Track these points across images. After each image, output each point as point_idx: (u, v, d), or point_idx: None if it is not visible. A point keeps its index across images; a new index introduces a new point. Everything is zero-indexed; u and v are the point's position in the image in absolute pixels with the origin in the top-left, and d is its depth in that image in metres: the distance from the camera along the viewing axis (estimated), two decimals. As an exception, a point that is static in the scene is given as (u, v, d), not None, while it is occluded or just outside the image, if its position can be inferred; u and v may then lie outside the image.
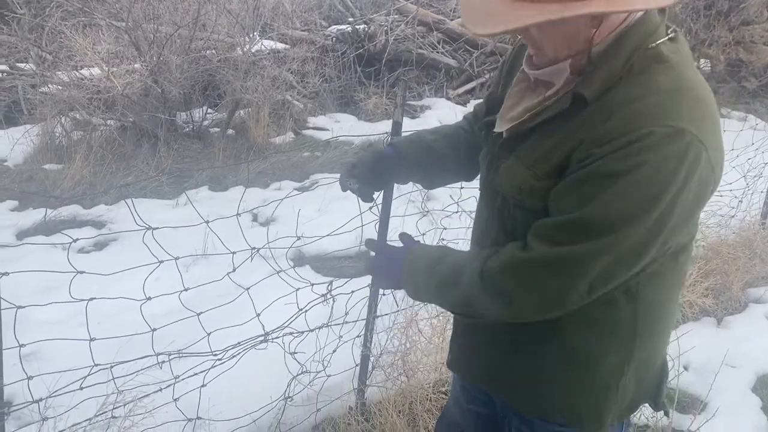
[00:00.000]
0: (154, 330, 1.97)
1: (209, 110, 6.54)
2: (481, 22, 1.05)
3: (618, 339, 1.24)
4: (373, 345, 2.58)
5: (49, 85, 5.98)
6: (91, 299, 1.83)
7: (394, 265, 1.34)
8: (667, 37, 1.12)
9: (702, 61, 7.65)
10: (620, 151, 1.03)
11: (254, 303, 2.22)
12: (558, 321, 1.19)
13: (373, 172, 1.49)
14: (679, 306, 1.38)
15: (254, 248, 2.22)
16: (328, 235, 2.58)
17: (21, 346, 1.70)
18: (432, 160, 1.50)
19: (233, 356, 2.17)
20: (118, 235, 4.39)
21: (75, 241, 1.90)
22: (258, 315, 2.24)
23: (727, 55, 7.22)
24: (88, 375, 1.85)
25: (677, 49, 1.12)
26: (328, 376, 2.54)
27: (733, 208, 4.14)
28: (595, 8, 0.98)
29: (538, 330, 1.23)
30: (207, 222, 2.07)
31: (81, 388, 1.84)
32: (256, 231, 4.62)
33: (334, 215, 4.61)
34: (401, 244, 1.44)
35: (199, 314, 2.06)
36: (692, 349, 2.94)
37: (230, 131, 6.50)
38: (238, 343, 2.19)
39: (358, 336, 2.62)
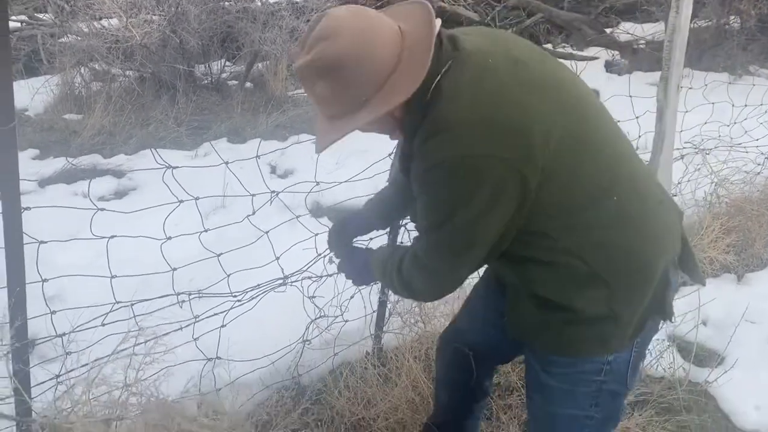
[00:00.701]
0: (174, 269, 1.99)
1: (227, 63, 6.50)
2: (319, 140, 1.43)
3: (576, 277, 1.41)
4: (390, 291, 2.59)
5: (68, 35, 5.96)
6: (112, 237, 1.84)
7: (364, 268, 1.75)
8: (442, 71, 1.33)
9: (731, 17, 7.41)
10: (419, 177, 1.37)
11: (273, 247, 2.23)
12: (525, 280, 1.48)
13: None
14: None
15: (274, 191, 2.22)
16: (346, 181, 2.56)
17: (44, 281, 1.72)
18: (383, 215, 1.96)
19: (252, 298, 2.19)
20: (138, 184, 4.42)
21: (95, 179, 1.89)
22: (277, 258, 2.25)
23: (758, 10, 6.97)
24: (110, 311, 1.88)
25: (454, 77, 1.33)
26: (346, 321, 2.56)
27: (759, 164, 4.05)
28: (365, 117, 1.34)
29: (519, 288, 1.51)
30: (227, 163, 2.06)
31: (103, 325, 1.87)
32: (274, 182, 4.62)
33: (352, 168, 4.59)
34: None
35: (219, 255, 2.07)
36: (711, 305, 2.92)
37: (248, 84, 6.46)
38: (257, 285, 2.21)
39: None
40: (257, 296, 2.20)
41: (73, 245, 2.00)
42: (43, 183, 4.43)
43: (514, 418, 2.27)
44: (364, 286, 2.28)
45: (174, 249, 2.05)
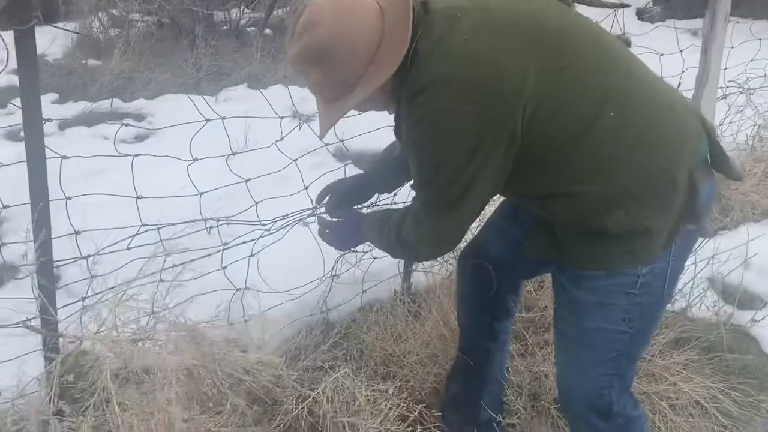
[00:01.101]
0: (201, 193, 1.91)
1: (246, 9, 6.35)
2: (321, 124, 1.51)
3: (597, 203, 1.39)
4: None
5: (85, -21, 5.83)
6: (137, 155, 1.76)
7: (355, 231, 1.76)
8: (417, 37, 1.36)
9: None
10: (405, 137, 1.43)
11: (303, 176, 2.14)
12: (548, 214, 1.48)
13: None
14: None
15: (300, 116, 2.12)
16: (370, 131, 2.46)
17: (67, 198, 1.65)
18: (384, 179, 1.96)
19: (281, 228, 2.11)
20: (159, 128, 4.34)
21: (124, 125, 1.81)
22: (306, 188, 2.16)
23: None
24: (137, 234, 1.81)
25: (425, 38, 1.35)
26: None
27: (805, 108, 3.87)
28: (358, 96, 1.39)
29: (541, 220, 1.51)
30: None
31: (128, 248, 1.80)
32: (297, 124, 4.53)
33: (375, 114, 4.50)
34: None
35: (247, 180, 1.99)
36: (754, 249, 2.80)
37: (268, 31, 6.31)
38: (287, 215, 2.13)
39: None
40: (286, 226, 2.12)
41: (97, 182, 1.94)
42: (64, 126, 4.37)
43: (551, 354, 2.19)
44: (347, 251, 2.24)
45: (199, 183, 1.96)
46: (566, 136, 1.35)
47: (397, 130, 1.49)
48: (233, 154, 1.96)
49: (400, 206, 1.97)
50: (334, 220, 1.86)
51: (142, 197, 1.76)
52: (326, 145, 2.07)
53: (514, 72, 1.29)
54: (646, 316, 1.51)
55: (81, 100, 4.80)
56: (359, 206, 2.01)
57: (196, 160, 1.84)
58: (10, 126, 3.97)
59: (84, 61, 5.40)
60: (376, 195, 2.08)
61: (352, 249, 2.13)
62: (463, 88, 1.29)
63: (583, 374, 1.52)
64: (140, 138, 4.29)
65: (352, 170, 3.95)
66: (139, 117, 4.55)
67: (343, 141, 2.30)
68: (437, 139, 1.34)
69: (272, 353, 2.22)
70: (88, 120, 4.43)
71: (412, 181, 1.51)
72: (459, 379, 2.05)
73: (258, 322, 2.24)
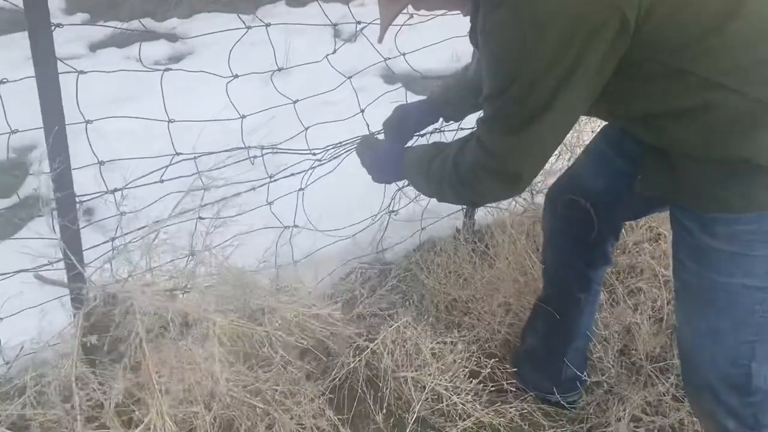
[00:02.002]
0: (243, 117, 1.63)
1: None
2: (381, 24, 1.28)
3: (734, 119, 1.10)
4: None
5: None
6: (167, 69, 1.48)
7: (394, 163, 1.51)
8: None
9: None
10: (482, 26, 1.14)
11: (358, 96, 1.84)
12: (668, 142, 1.19)
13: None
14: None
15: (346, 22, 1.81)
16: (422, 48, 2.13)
17: (87, 122, 1.39)
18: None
19: (334, 157, 1.83)
20: (194, 48, 4.07)
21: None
22: (362, 110, 1.87)
23: None
24: (170, 164, 1.55)
25: None
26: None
27: None
28: None
29: (655, 148, 1.23)
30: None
31: (161, 181, 1.55)
32: (338, 46, 4.20)
33: (426, 33, 4.12)
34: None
35: (294, 102, 1.70)
36: None
37: (307, -57, 5.85)
38: (340, 142, 1.84)
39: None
40: (340, 155, 1.84)
41: (126, 108, 1.67)
42: (94, 47, 4.12)
43: (643, 303, 1.91)
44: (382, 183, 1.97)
45: (239, 108, 1.68)
46: (708, 21, 1.06)
47: (473, 34, 1.22)
48: (278, 69, 1.66)
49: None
50: (380, 140, 1.64)
51: (175, 121, 1.49)
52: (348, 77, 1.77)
53: None
54: None
55: (112, 20, 4.51)
56: (420, 133, 1.77)
57: (236, 76, 1.55)
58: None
59: (114, -21, 5.07)
60: (441, 121, 1.79)
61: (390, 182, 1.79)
62: None
63: (716, 339, 1.23)
64: (174, 59, 4.02)
65: (400, 92, 3.71)
66: (172, 37, 4.26)
67: (387, 60, 1.98)
68: (518, 27, 1.06)
69: (325, 302, 1.99)
70: (119, 41, 4.16)
71: (482, 96, 1.20)
72: (539, 331, 1.80)
73: (308, 264, 2.00)
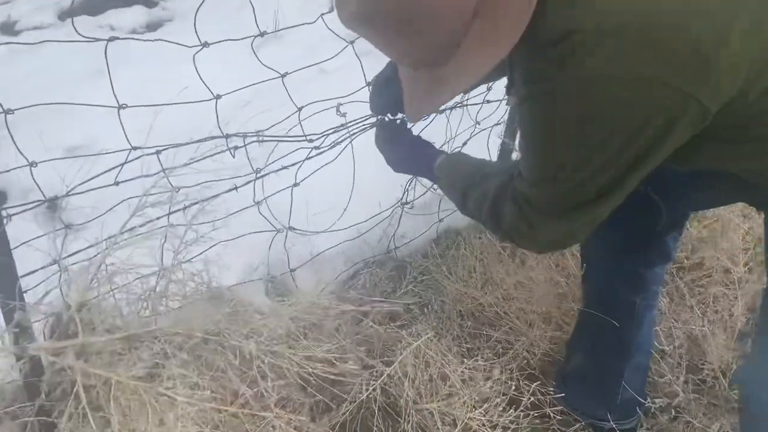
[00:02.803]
0: (218, 97, 1.28)
1: None
2: (410, 103, 1.08)
3: None
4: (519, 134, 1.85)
5: None
6: (112, 39, 1.13)
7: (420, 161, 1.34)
8: None
9: None
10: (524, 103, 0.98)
11: (364, 68, 1.49)
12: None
13: None
14: None
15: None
16: None
17: (7, 112, 1.04)
18: None
19: (336, 143, 1.49)
20: (174, 14, 3.68)
21: None
22: (368, 84, 1.51)
23: None
24: (126, 162, 1.21)
25: None
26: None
27: None
28: (477, 65, 0.93)
29: None
30: None
31: (116, 184, 1.21)
32: (333, 7, 3.81)
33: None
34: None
35: (283, 75, 1.35)
36: None
37: None
38: (342, 125, 1.50)
39: (496, 124, 1.89)
40: (342, 140, 1.50)
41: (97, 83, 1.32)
42: (63, 15, 3.72)
43: (714, 307, 1.59)
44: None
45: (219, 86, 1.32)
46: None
47: (510, 88, 1.06)
48: (262, 34, 1.30)
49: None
50: (403, 129, 1.41)
51: (126, 107, 1.14)
52: (350, 42, 1.42)
53: (713, 31, 0.83)
54: None
55: (83, -14, 4.10)
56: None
57: (205, 45, 1.19)
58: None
59: (85, -60, 4.63)
60: None
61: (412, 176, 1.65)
62: (651, 44, 0.82)
63: None
64: (152, 27, 3.62)
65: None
66: (150, 2, 3.86)
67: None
68: (583, 116, 0.88)
69: (327, 306, 1.66)
70: (91, 8, 3.75)
71: (519, 161, 1.04)
72: (587, 345, 1.50)
73: (309, 270, 1.68)
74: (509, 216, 1.07)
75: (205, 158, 1.31)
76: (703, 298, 1.62)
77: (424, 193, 1.85)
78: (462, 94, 1.09)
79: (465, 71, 0.95)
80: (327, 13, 1.42)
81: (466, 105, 1.69)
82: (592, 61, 0.82)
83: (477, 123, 1.80)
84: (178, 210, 1.26)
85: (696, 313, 1.57)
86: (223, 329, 1.12)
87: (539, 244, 1.12)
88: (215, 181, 1.33)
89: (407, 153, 1.38)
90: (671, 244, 1.37)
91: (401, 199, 1.78)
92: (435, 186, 1.87)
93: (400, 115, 1.39)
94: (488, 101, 1.73)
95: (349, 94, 1.45)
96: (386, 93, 1.34)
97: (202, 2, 1.19)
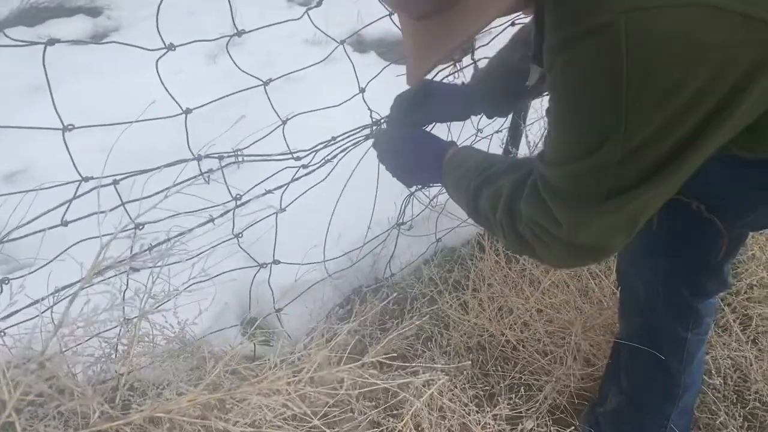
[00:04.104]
0: (187, 111, 1.04)
1: None
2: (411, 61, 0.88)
3: None
4: (523, 141, 1.66)
5: None
6: (56, 41, 0.89)
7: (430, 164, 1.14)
8: None
9: None
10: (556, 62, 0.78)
11: (328, 69, 1.27)
12: None
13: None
14: None
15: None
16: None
17: None
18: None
19: (326, 160, 1.26)
20: (120, 24, 3.39)
21: None
22: (363, 89, 1.29)
23: None
24: (75, 196, 0.96)
25: None
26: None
27: None
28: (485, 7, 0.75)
29: None
30: None
31: (64, 224, 0.96)
32: (293, 12, 3.58)
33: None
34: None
35: (266, 83, 1.12)
36: None
37: None
38: (333, 138, 1.27)
39: (497, 131, 1.70)
40: (333, 156, 1.28)
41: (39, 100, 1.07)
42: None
43: (757, 334, 1.42)
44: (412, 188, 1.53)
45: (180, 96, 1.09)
46: None
47: (537, 55, 0.81)
48: (238, 33, 1.07)
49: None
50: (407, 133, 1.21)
51: (72, 127, 0.89)
52: (340, 42, 1.22)
53: None
54: None
55: (19, -6, 3.78)
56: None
57: (170, 47, 0.95)
58: None
59: (19, -54, 4.29)
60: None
61: (419, 187, 1.37)
62: None
63: None
64: (97, 37, 3.33)
65: (373, 59, 3.12)
66: (93, 11, 3.56)
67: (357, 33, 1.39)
68: (638, 60, 0.66)
69: (317, 345, 1.43)
70: (29, 18, 3.45)
71: (545, 142, 0.83)
72: (625, 383, 1.30)
73: (298, 307, 1.44)
74: (529, 213, 0.86)
75: (177, 185, 1.06)
76: (748, 319, 1.44)
77: (422, 211, 1.64)
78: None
79: (478, 8, 0.75)
80: (296, 19, 1.21)
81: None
82: None
83: (479, 131, 1.60)
84: (144, 251, 1.01)
85: (740, 336, 1.39)
86: (207, 411, 0.88)
87: (567, 251, 0.86)
88: (188, 213, 1.09)
89: (413, 157, 1.17)
90: (727, 269, 1.18)
91: (398, 219, 1.56)
92: (435, 199, 1.67)
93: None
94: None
95: (341, 103, 1.23)
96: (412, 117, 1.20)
97: (161, 3, 0.96)
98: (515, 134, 1.64)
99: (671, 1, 0.63)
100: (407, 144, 1.18)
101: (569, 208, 0.80)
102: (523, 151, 1.72)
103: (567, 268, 1.47)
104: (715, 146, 0.73)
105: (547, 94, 0.81)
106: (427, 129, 1.23)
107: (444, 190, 1.65)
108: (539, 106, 1.79)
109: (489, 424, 1.24)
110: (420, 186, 1.46)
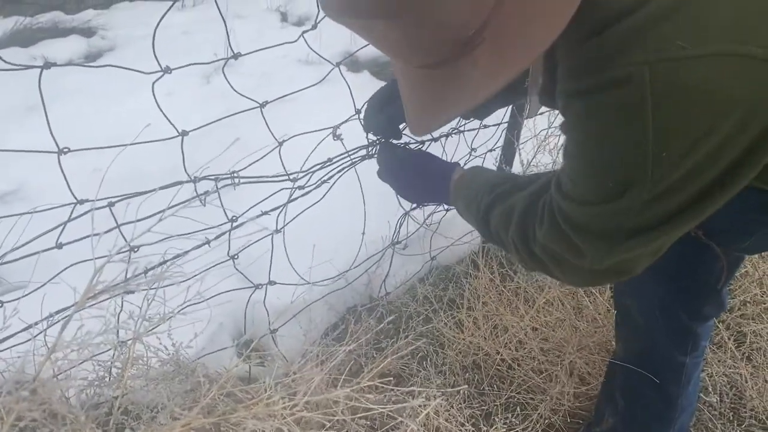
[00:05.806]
0: (184, 134, 1.04)
1: None
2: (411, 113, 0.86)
3: None
4: (516, 159, 1.67)
5: None
6: (52, 65, 0.89)
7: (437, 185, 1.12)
8: None
9: None
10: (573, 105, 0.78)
11: (322, 89, 1.28)
12: None
13: None
14: None
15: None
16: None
17: None
18: None
19: (323, 181, 1.27)
20: (115, 44, 3.40)
21: None
22: (358, 111, 1.30)
23: None
24: (70, 219, 0.96)
25: None
26: (447, 210, 1.66)
27: None
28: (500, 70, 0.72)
29: None
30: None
31: (59, 247, 0.96)
32: (288, 33, 3.60)
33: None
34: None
35: (262, 105, 1.12)
36: None
37: None
38: (330, 159, 1.28)
39: (491, 150, 1.71)
40: (329, 177, 1.28)
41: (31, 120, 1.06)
42: (-7, 47, 3.40)
43: (758, 350, 1.42)
44: (415, 206, 1.52)
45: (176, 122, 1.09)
46: None
47: (547, 95, 0.82)
48: (235, 56, 1.07)
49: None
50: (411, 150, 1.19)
51: (68, 151, 0.89)
52: (336, 64, 1.23)
53: None
54: None
55: (13, 15, 3.79)
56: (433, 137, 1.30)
57: (166, 70, 0.96)
58: None
59: (13, -33, 4.31)
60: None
61: (425, 204, 1.36)
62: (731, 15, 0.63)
63: None
64: (91, 58, 3.34)
65: (366, 79, 3.13)
66: (87, 32, 3.58)
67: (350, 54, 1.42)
68: (664, 110, 0.65)
69: (311, 366, 1.42)
70: (23, 39, 3.46)
71: (563, 172, 0.81)
72: (621, 404, 1.29)
73: (293, 328, 1.44)
74: (547, 241, 0.85)
75: (173, 207, 1.06)
76: (742, 336, 1.45)
77: (417, 230, 1.64)
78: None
79: (501, 60, 0.70)
80: (292, 41, 1.21)
81: (463, 131, 1.50)
82: (674, 32, 0.62)
83: (472, 150, 1.60)
84: (139, 275, 1.01)
85: (732, 350, 1.40)
86: None
87: (591, 274, 0.85)
88: (183, 236, 1.09)
89: (418, 176, 1.15)
90: (725, 292, 1.18)
91: (392, 238, 1.56)
92: (430, 218, 1.68)
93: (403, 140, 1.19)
94: (485, 126, 1.54)
95: (342, 123, 1.23)
96: (385, 111, 1.14)
97: (158, 24, 0.96)
98: (509, 152, 1.65)
99: (696, 51, 0.62)
100: (414, 162, 1.17)
101: (593, 243, 0.79)
102: (516, 169, 1.73)
103: (587, 287, 1.48)
104: (744, 183, 0.72)
105: (543, 112, 0.81)
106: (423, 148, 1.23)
107: (438, 209, 1.66)
108: (532, 125, 1.80)
109: (486, 445, 1.24)
110: (422, 204, 1.45)
